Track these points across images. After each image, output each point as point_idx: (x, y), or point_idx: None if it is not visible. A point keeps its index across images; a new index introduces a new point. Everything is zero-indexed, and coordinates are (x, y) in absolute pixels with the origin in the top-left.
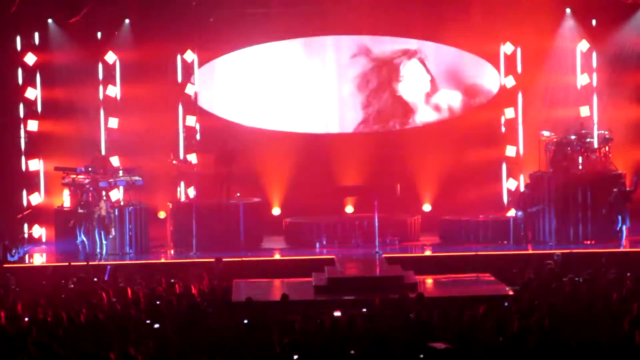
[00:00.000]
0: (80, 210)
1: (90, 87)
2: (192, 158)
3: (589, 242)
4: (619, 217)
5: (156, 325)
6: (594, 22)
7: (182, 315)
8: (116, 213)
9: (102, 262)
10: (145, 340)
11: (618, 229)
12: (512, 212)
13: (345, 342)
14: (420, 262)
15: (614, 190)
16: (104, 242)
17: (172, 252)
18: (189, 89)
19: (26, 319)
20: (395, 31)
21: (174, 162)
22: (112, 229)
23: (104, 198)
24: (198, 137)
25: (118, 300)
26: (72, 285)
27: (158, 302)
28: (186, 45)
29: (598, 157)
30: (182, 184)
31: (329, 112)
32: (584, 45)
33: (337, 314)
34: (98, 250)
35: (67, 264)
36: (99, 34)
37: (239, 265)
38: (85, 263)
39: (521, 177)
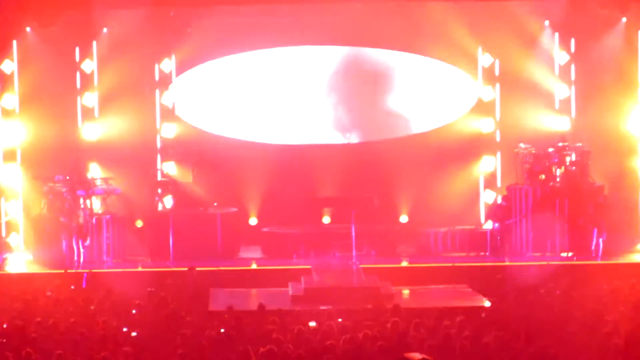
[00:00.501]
0: (61, 219)
1: (68, 96)
2: (170, 167)
3: (567, 255)
4: (595, 230)
5: (133, 334)
6: (572, 37)
7: (159, 323)
8: (94, 221)
9: (80, 270)
10: (122, 348)
11: (594, 241)
12: (489, 224)
13: (322, 353)
14: (397, 273)
15: (592, 204)
16: (81, 250)
17: (149, 261)
18: (166, 99)
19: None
20: (374, 42)
21: (154, 170)
22: (88, 238)
23: (82, 206)
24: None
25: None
26: (49, 293)
27: (134, 311)
28: (164, 54)
29: (576, 169)
30: (160, 193)
31: (307, 123)
32: (562, 57)
33: (313, 324)
34: (75, 258)
35: (63, 271)
36: (76, 43)
37: (216, 275)
38: (63, 271)
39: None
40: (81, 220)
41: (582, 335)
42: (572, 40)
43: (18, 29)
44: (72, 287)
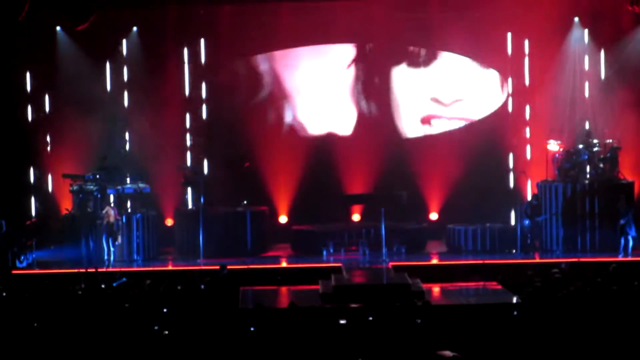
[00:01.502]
0: (98, 222)
1: (100, 95)
2: (201, 165)
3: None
4: (626, 227)
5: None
6: (600, 31)
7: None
8: (124, 220)
9: (110, 269)
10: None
11: (624, 238)
12: (519, 221)
13: (352, 350)
14: (427, 270)
15: (621, 197)
16: (112, 249)
17: (179, 259)
18: (196, 97)
19: None
20: (401, 39)
21: (183, 168)
22: (119, 236)
23: (112, 205)
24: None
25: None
26: (80, 292)
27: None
28: (194, 52)
29: (606, 166)
30: (190, 190)
31: (337, 121)
32: (591, 51)
33: (343, 322)
34: (105, 257)
35: (84, 270)
36: (106, 42)
37: (246, 273)
38: (84, 270)
39: (529, 185)
40: (112, 219)
41: (615, 332)
42: (602, 35)
43: (49, 29)
44: (103, 285)
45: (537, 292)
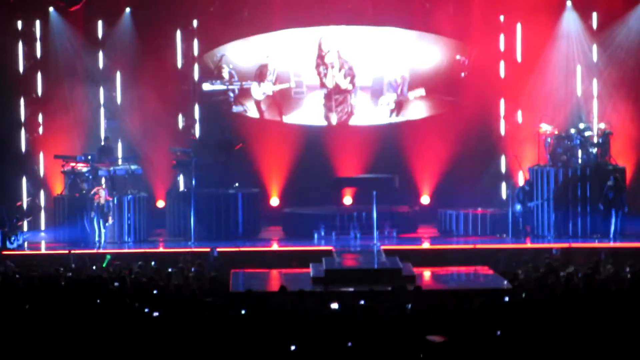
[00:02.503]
0: (83, 200)
1: (90, 76)
2: (192, 146)
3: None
4: (613, 211)
5: (155, 314)
6: (594, 15)
7: (181, 304)
8: (115, 202)
9: (101, 251)
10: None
11: (612, 222)
12: (511, 206)
13: (343, 334)
14: (419, 255)
15: (608, 183)
16: (103, 230)
17: (170, 241)
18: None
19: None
20: (397, 21)
21: (175, 150)
22: (110, 217)
23: (103, 186)
24: (197, 126)
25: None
26: (70, 274)
27: (155, 292)
28: (187, 33)
29: (598, 150)
30: (181, 173)
31: (327, 104)
32: (585, 37)
33: (335, 306)
34: (97, 238)
35: (67, 251)
36: (99, 22)
37: (237, 256)
38: (67, 252)
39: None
40: (102, 200)
41: (605, 318)
42: (595, 20)
43: (41, 9)
44: (94, 267)
45: (529, 278)
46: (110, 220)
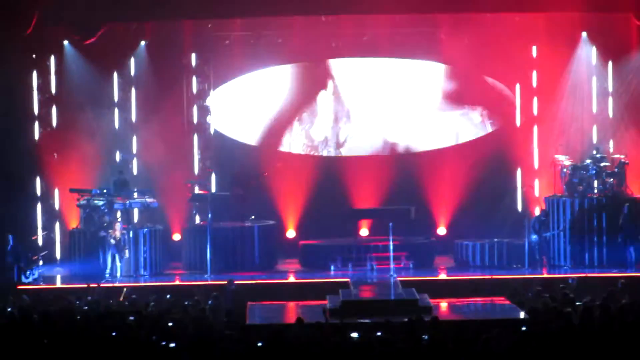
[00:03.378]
0: (101, 233)
1: (105, 110)
2: (208, 180)
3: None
4: (628, 241)
5: (172, 345)
6: (608, 47)
7: (197, 337)
8: (131, 235)
9: (117, 285)
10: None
11: (629, 252)
12: (527, 237)
13: None
14: (435, 286)
15: (623, 213)
16: (119, 264)
17: (187, 275)
18: (202, 111)
19: None
20: (410, 53)
21: (191, 183)
22: (127, 251)
23: (119, 220)
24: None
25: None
26: (86, 307)
27: (171, 324)
28: (202, 66)
29: (614, 180)
30: (197, 205)
31: (344, 135)
32: (599, 68)
33: (355, 335)
34: (109, 271)
35: (87, 285)
36: (114, 56)
37: (254, 288)
38: (86, 285)
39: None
40: (119, 234)
41: (621, 348)
42: (610, 51)
43: (56, 43)
44: (110, 301)
45: (546, 308)
46: (127, 254)
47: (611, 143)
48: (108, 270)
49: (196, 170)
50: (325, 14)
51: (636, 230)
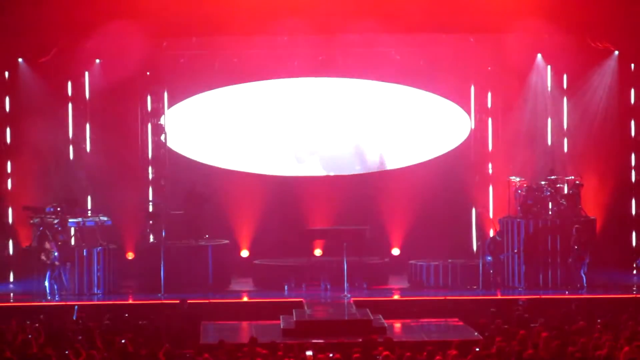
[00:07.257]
0: (42, 257)
1: (59, 127)
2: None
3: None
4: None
5: None
6: (564, 70)
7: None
8: (84, 253)
9: (68, 303)
10: None
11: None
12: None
13: None
14: (389, 306)
15: (573, 235)
16: (61, 283)
17: (140, 293)
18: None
19: None
20: (368, 75)
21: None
22: (68, 263)
23: (50, 239)
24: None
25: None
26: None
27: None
28: (156, 86)
29: (568, 202)
30: (151, 224)
31: (298, 155)
32: (554, 91)
33: (309, 353)
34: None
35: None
36: (68, 74)
37: (207, 307)
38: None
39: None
40: (51, 254)
41: None
42: (565, 71)
43: (10, 60)
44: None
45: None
46: (69, 265)
47: (565, 165)
48: (48, 292)
49: (150, 189)
50: (280, 35)
51: (584, 253)
